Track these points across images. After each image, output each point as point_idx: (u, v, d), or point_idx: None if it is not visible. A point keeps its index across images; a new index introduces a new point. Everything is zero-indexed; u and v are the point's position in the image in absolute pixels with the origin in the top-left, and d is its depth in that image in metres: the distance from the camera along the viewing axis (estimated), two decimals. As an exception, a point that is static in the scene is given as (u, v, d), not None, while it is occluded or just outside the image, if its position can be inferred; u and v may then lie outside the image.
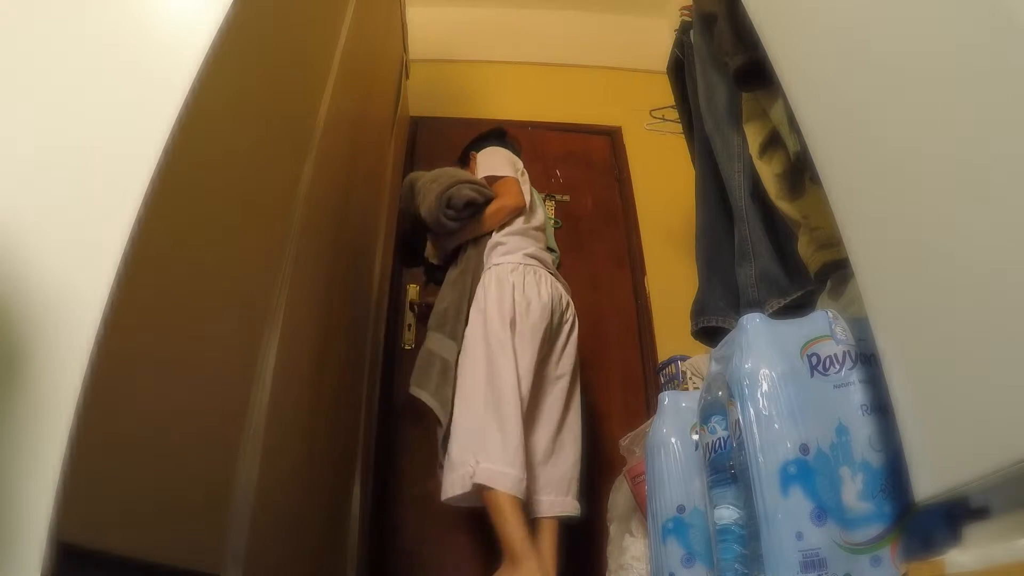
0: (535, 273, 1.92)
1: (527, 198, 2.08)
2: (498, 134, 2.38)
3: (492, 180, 2.06)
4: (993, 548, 0.58)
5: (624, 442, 1.49)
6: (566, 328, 1.95)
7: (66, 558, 0.55)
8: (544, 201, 2.56)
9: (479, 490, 1.61)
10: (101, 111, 0.74)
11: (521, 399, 1.69)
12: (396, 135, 2.66)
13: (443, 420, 1.76)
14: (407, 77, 2.91)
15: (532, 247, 1.99)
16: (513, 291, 1.84)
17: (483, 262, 1.95)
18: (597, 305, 2.63)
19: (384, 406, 2.35)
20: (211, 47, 0.80)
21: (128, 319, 0.67)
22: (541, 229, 2.12)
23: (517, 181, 2.08)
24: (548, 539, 1.70)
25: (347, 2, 1.73)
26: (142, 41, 0.80)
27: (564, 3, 3.35)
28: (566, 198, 2.93)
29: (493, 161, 2.13)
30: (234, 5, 0.85)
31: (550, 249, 2.26)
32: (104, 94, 0.75)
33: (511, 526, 1.57)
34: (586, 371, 2.41)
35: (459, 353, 1.82)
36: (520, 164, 2.21)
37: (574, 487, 1.79)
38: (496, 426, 1.65)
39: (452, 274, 2.01)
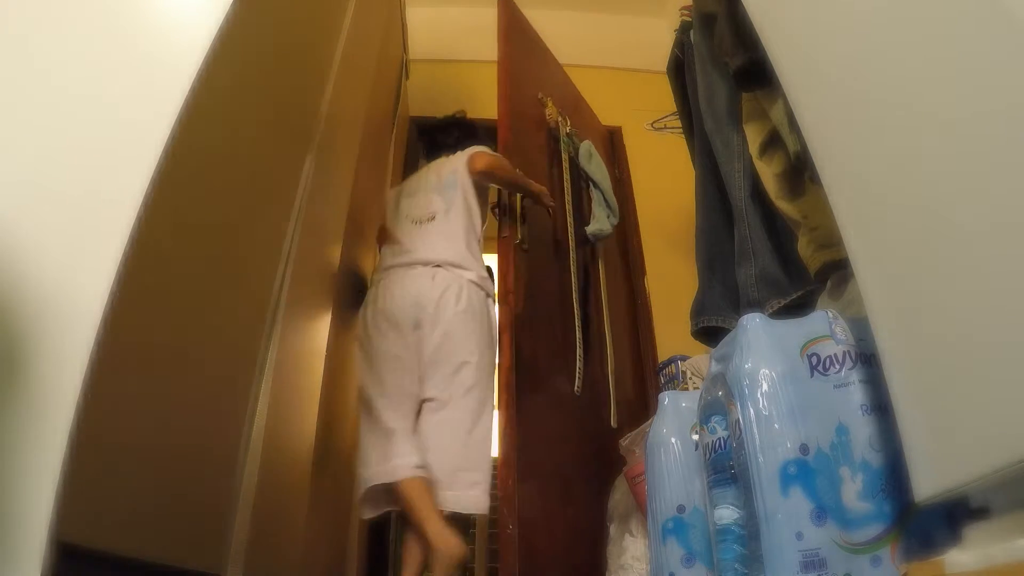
0: (383, 282, 1.85)
1: (396, 200, 2.06)
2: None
3: None
4: (993, 548, 0.58)
5: (624, 442, 1.48)
6: (429, 319, 1.76)
7: (66, 558, 0.55)
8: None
9: (385, 493, 1.64)
10: (101, 111, 0.74)
11: (387, 397, 1.72)
12: (396, 135, 2.66)
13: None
14: (407, 77, 2.90)
15: (389, 257, 1.91)
16: (362, 311, 1.85)
17: None
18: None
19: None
20: (210, 49, 0.80)
21: (128, 319, 0.67)
22: (410, 220, 1.97)
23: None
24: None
25: (347, 2, 1.73)
26: (141, 42, 0.80)
27: (564, 3, 3.35)
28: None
29: None
30: (234, 5, 0.85)
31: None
32: (104, 94, 0.75)
33: (415, 511, 1.57)
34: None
35: None
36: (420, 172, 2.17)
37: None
38: (368, 433, 1.71)
39: None
